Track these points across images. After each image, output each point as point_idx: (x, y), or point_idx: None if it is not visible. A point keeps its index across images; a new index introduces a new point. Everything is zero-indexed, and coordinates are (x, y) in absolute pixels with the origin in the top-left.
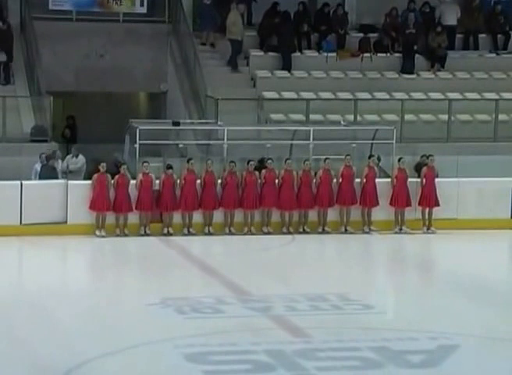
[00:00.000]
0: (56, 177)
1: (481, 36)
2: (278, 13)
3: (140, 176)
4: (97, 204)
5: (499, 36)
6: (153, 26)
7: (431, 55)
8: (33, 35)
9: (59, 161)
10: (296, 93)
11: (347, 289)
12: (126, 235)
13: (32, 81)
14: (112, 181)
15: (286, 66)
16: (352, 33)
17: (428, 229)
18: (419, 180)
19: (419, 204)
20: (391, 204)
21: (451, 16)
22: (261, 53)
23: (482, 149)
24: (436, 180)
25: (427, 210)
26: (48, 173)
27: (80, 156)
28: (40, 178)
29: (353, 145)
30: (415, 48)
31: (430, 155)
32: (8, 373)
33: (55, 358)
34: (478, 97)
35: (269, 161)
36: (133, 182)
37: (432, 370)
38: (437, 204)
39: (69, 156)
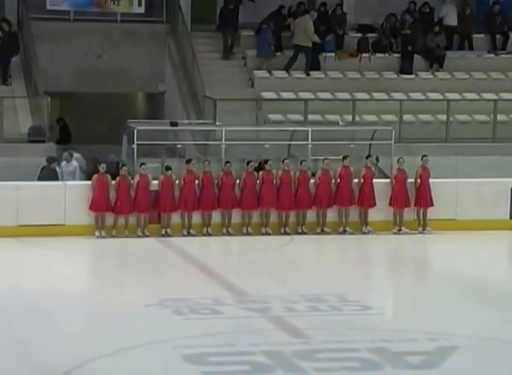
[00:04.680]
0: (57, 180)
1: (480, 36)
2: (284, 17)
3: (137, 177)
4: (98, 205)
5: (497, 36)
6: (151, 26)
7: (429, 55)
8: (31, 35)
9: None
10: (295, 93)
11: (346, 290)
12: (126, 236)
13: (29, 81)
14: (113, 182)
15: (315, 65)
16: (350, 34)
17: (423, 229)
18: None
19: (414, 204)
20: (390, 204)
21: (452, 17)
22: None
23: (481, 150)
24: (431, 180)
25: (421, 210)
26: (48, 175)
27: (73, 161)
28: (39, 179)
29: (352, 146)
30: (410, 48)
31: (424, 156)
32: (7, 374)
33: (53, 359)
34: (477, 97)
35: (269, 162)
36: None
37: (431, 371)
38: (431, 204)
39: (64, 155)
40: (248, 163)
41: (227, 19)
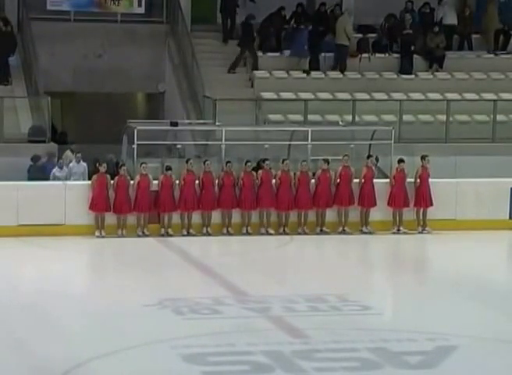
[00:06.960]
0: (45, 178)
1: (480, 36)
2: (283, 18)
3: (137, 177)
4: (97, 204)
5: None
6: (151, 26)
7: (429, 55)
8: (31, 35)
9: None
10: (295, 93)
11: (346, 290)
12: (125, 236)
13: (30, 81)
14: (112, 182)
15: (316, 66)
16: None
17: (423, 229)
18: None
19: (414, 204)
20: (389, 204)
21: (452, 17)
22: (260, 54)
23: (480, 150)
24: (430, 180)
25: (421, 210)
26: (36, 173)
27: (82, 161)
28: (29, 179)
29: (352, 146)
30: (412, 48)
31: (425, 156)
32: (7, 374)
33: (53, 359)
34: (477, 97)
35: (267, 162)
36: (131, 183)
37: (430, 371)
38: (431, 204)
39: (71, 155)
40: (246, 163)
41: (249, 37)
